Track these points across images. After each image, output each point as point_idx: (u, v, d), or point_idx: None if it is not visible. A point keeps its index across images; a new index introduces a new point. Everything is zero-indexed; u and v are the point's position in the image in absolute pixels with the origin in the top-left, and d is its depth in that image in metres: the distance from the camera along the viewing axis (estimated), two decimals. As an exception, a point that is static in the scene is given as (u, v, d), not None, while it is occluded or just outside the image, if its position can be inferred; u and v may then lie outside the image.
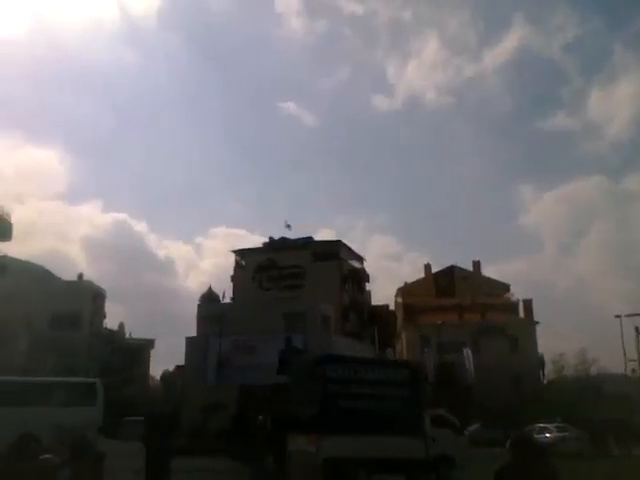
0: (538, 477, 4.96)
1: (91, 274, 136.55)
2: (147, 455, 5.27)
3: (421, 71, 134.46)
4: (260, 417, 22.88)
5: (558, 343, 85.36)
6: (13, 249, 64.39)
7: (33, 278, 65.28)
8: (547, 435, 27.59)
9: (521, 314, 59.57)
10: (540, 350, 56.11)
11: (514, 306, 60.85)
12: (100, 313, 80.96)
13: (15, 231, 55.57)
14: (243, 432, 24.25)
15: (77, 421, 20.19)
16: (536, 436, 27.35)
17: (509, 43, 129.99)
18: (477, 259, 69.36)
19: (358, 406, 16.26)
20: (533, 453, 5.22)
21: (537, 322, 57.47)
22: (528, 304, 59.01)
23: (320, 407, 16.04)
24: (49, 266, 75.34)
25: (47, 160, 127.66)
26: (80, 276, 79.33)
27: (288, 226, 63.89)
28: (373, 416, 16.28)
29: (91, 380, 25.25)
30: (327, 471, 15.59)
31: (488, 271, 75.27)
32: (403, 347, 60.45)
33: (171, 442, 7.78)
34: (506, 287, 66.32)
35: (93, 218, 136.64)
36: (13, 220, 55.20)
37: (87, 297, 74.61)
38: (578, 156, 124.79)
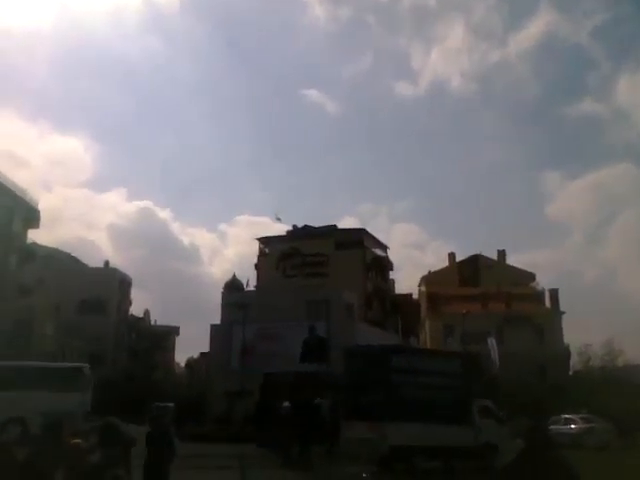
0: (548, 468, 4.89)
1: (116, 261, 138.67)
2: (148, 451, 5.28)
3: (445, 57, 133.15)
4: (285, 404, 23.02)
5: (584, 333, 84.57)
6: (41, 236, 65.54)
7: (60, 265, 66.30)
8: (573, 426, 27.31)
9: (547, 304, 58.92)
10: (566, 340, 55.57)
11: (540, 296, 60.19)
12: (126, 300, 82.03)
13: (42, 219, 56.33)
14: (266, 419, 24.44)
15: (65, 406, 20.20)
16: (562, 427, 27.20)
17: (535, 28, 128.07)
18: (502, 248, 68.85)
19: (417, 395, 17.06)
20: (543, 444, 5.16)
21: (563, 312, 56.83)
22: (554, 294, 58.33)
23: (385, 396, 16.78)
24: (76, 253, 76.41)
25: (73, 148, 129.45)
26: (106, 263, 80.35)
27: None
28: (429, 405, 17.01)
29: (79, 365, 25.18)
30: (390, 458, 16.30)
31: (513, 260, 74.59)
32: (427, 336, 60.22)
33: (171, 436, 7.71)
34: (532, 276, 65.65)
35: (118, 206, 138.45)
36: (40, 208, 55.99)
37: (113, 284, 75.63)
38: (606, 143, 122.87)
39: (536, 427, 5.24)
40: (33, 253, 55.72)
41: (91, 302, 69.99)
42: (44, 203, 69.74)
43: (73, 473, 5.27)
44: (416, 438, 16.24)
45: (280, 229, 66.71)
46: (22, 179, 75.80)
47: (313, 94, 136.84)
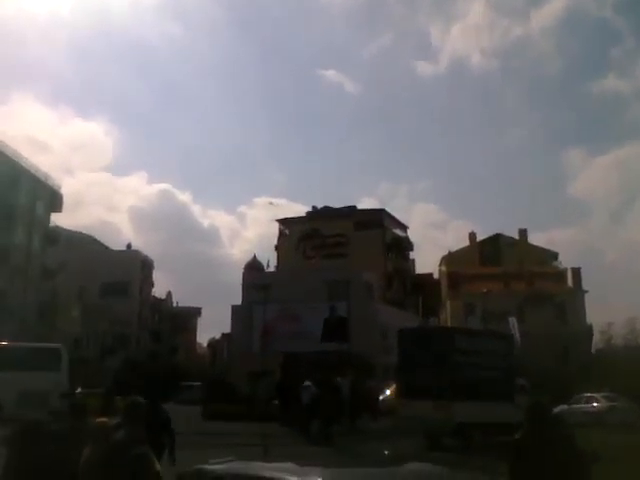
0: (554, 446, 4.90)
1: (138, 244, 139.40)
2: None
3: (466, 34, 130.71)
4: (306, 383, 23.22)
5: (607, 313, 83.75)
6: (63, 220, 66.27)
7: (83, 248, 67.18)
8: (594, 405, 27.20)
9: (569, 283, 58.48)
10: (588, 320, 55.15)
11: (562, 275, 59.73)
12: (148, 282, 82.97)
13: (65, 203, 57.04)
14: (286, 398, 24.72)
15: (41, 386, 20.51)
16: (584, 406, 27.12)
17: (558, 3, 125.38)
18: (524, 227, 68.25)
19: (475, 375, 18.06)
20: (549, 421, 5.17)
21: (586, 291, 56.38)
22: (576, 273, 57.85)
23: (451, 376, 17.72)
24: (98, 236, 77.24)
25: (94, 133, 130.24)
26: (129, 246, 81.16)
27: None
28: (484, 384, 18.00)
29: (55, 345, 25.33)
30: (453, 435, 17.37)
31: (535, 239, 73.94)
32: (447, 316, 60.16)
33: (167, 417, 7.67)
34: (554, 255, 65.09)
35: (139, 189, 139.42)
36: (63, 192, 56.65)
37: (136, 266, 76.46)
38: (630, 120, 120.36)
39: (535, 404, 5.25)
40: (56, 236, 56.47)
41: (114, 284, 70.85)
42: (66, 187, 70.95)
43: (97, 451, 5.37)
44: (476, 415, 17.04)
45: (298, 210, 66.83)
46: (44, 164, 77.10)
47: (331, 74, 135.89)
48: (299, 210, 67.08)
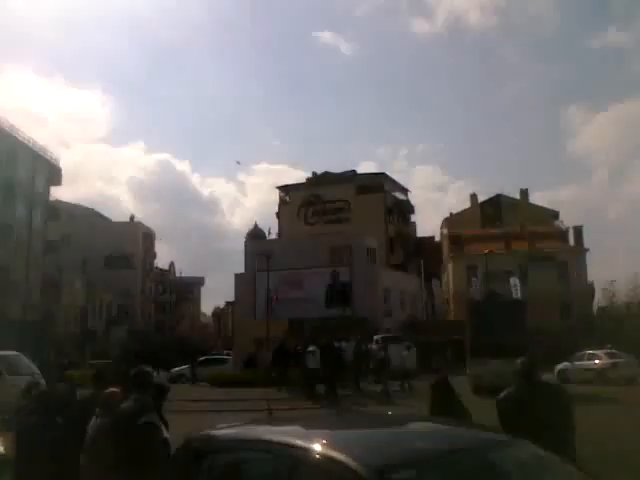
0: (543, 405, 5.04)
1: (138, 215, 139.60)
2: None
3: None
4: (311, 347, 23.44)
5: (609, 270, 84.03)
6: (63, 193, 66.19)
7: (85, 221, 67.14)
8: (597, 362, 27.43)
9: (571, 242, 58.50)
10: (590, 278, 55.32)
11: (563, 234, 59.67)
12: (151, 253, 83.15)
13: (63, 175, 56.72)
14: (285, 363, 25.03)
15: None
16: (586, 362, 27.37)
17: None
18: (525, 187, 68.03)
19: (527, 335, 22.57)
20: (536, 376, 5.34)
21: (587, 249, 56.41)
22: (578, 231, 57.76)
23: (524, 336, 21.68)
24: (98, 208, 77.12)
25: (89, 103, 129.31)
26: (132, 218, 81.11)
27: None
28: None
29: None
30: None
31: (536, 198, 73.92)
32: (449, 278, 60.39)
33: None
34: (555, 214, 65.00)
35: (137, 159, 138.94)
36: (61, 165, 56.33)
37: (138, 238, 76.52)
38: (631, 74, 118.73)
39: (525, 360, 5.41)
40: (57, 210, 56.37)
41: (117, 256, 71.06)
42: (64, 160, 70.27)
43: (105, 421, 5.45)
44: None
45: (299, 176, 66.63)
46: (39, 136, 76.51)
47: (327, 36, 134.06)
48: (299, 176, 66.65)
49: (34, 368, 19.35)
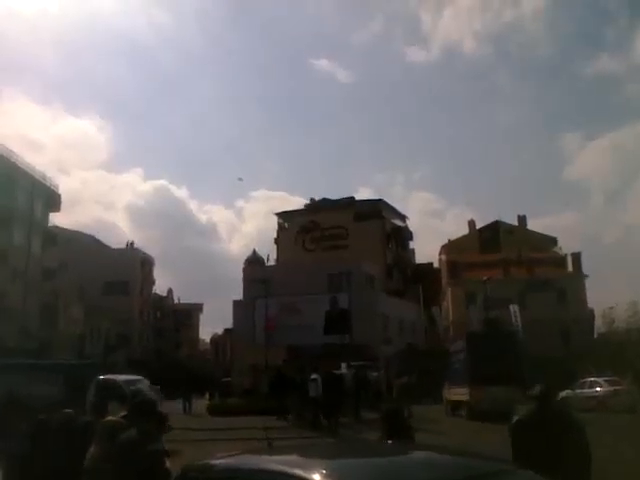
0: (559, 432, 4.97)
1: (136, 241, 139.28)
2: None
3: (457, 19, 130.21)
4: (313, 376, 23.26)
5: (608, 296, 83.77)
6: (61, 219, 66.14)
7: (83, 247, 67.11)
8: (598, 389, 27.26)
9: (570, 268, 58.51)
10: (590, 304, 55.22)
11: (562, 260, 59.71)
12: (149, 279, 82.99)
13: (62, 202, 56.89)
14: (283, 391, 24.81)
15: None
16: (587, 390, 27.19)
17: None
18: (522, 213, 68.22)
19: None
20: (555, 406, 5.26)
21: (586, 276, 56.39)
22: (577, 258, 57.81)
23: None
24: (96, 234, 77.15)
25: (87, 130, 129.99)
26: (131, 244, 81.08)
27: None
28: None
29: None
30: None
31: (534, 225, 73.82)
32: (449, 304, 60.23)
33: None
34: (553, 241, 65.11)
35: (135, 186, 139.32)
36: (60, 191, 56.52)
37: (136, 264, 76.43)
38: (625, 101, 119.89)
39: (542, 386, 5.34)
40: (55, 237, 56.38)
41: (115, 283, 70.88)
42: (62, 186, 70.37)
43: (105, 449, 5.38)
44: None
45: (297, 203, 66.85)
46: (38, 163, 77.07)
47: (323, 64, 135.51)
48: (297, 203, 66.95)
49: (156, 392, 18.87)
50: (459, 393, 25.62)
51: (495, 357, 23.48)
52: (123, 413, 5.90)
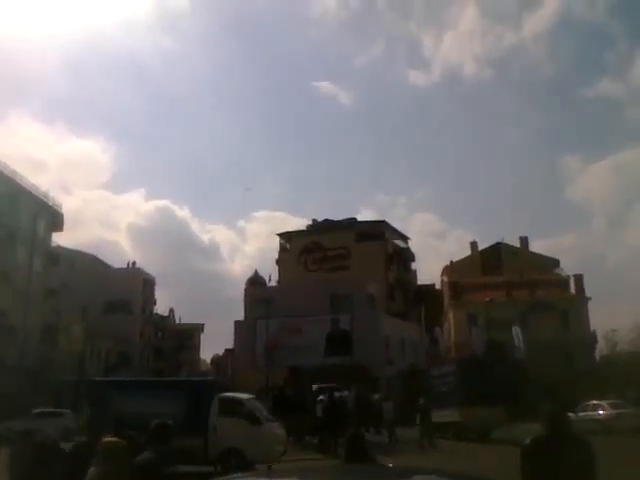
0: (571, 454, 4.93)
1: (138, 261, 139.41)
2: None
3: (458, 42, 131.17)
4: (320, 397, 23.15)
5: (611, 318, 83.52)
6: (64, 239, 66.12)
7: (85, 267, 67.15)
8: (601, 412, 27.04)
9: (572, 290, 58.36)
10: (592, 326, 54.99)
11: (564, 282, 59.59)
12: (150, 299, 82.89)
13: (65, 221, 57.05)
14: (283, 412, 24.65)
15: None
16: (590, 413, 26.97)
17: (550, 7, 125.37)
18: (524, 235, 68.27)
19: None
20: (567, 428, 5.21)
21: (589, 298, 56.22)
22: (579, 279, 57.71)
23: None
24: (98, 254, 77.19)
25: (91, 150, 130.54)
26: (133, 263, 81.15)
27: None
28: None
29: None
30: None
31: (536, 246, 73.94)
32: (450, 326, 60.03)
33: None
34: (555, 263, 65.01)
35: (138, 206, 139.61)
36: (62, 211, 56.73)
37: (138, 284, 76.40)
38: (626, 124, 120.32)
39: (554, 407, 5.28)
40: (58, 256, 56.45)
41: (116, 303, 70.78)
42: (65, 206, 70.71)
43: (111, 471, 5.34)
44: None
45: (297, 223, 66.99)
46: (41, 182, 77.42)
47: (326, 86, 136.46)
48: (299, 223, 67.06)
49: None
50: (445, 415, 25.75)
51: (485, 380, 24.78)
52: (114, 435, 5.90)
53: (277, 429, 17.46)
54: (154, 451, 5.26)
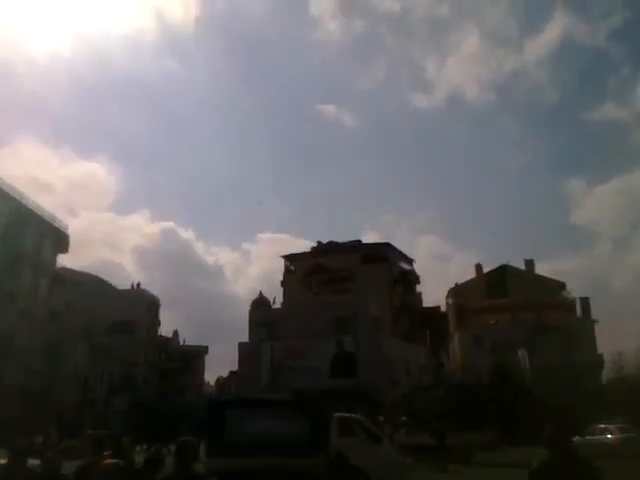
0: (578, 478, 4.87)
1: (142, 283, 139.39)
2: None
3: (461, 66, 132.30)
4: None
5: (618, 341, 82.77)
6: (69, 260, 66.33)
7: (89, 288, 67.15)
8: (609, 436, 26.72)
9: (578, 313, 58.06)
10: (599, 349, 54.60)
11: (571, 305, 59.31)
12: (155, 321, 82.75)
13: (70, 243, 57.27)
14: None
15: None
16: (598, 437, 26.65)
17: (552, 33, 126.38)
18: (529, 257, 68.10)
19: None
20: (572, 451, 5.13)
21: (595, 320, 55.91)
22: (585, 302, 57.47)
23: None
24: (103, 275, 77.23)
25: (96, 172, 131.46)
26: (138, 285, 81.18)
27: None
28: None
29: None
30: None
31: (541, 269, 73.72)
32: (456, 348, 59.68)
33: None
34: (561, 285, 64.72)
35: (142, 228, 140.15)
36: (68, 232, 56.96)
37: (142, 306, 76.36)
38: (630, 148, 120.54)
39: (558, 428, 5.20)
40: (62, 277, 56.56)
41: (121, 324, 70.68)
42: (71, 227, 70.80)
43: None
44: None
45: (301, 245, 67.04)
46: (47, 204, 77.76)
47: (330, 109, 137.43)
48: (303, 245, 67.12)
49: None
50: (426, 438, 26.03)
51: (470, 406, 27.11)
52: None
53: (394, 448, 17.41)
54: (178, 469, 4.74)
